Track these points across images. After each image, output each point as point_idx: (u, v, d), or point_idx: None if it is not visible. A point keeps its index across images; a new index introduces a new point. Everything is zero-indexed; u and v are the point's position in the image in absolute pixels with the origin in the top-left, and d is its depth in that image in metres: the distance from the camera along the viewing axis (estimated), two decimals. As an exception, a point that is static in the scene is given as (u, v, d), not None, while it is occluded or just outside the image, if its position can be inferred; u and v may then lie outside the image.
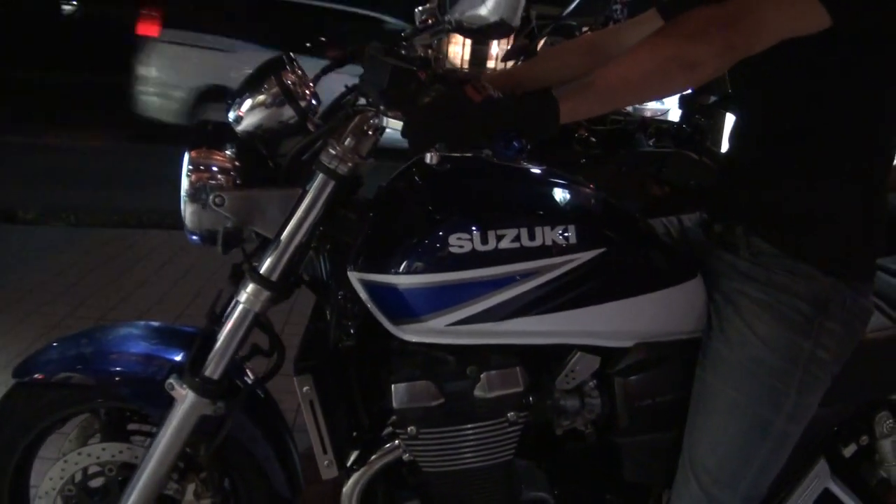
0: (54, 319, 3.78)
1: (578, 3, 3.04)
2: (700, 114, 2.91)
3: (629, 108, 3.29)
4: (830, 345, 1.44)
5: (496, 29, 1.17)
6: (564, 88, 1.23)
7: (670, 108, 4.16)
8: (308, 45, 8.57)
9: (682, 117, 3.02)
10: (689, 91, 3.04)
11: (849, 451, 1.70)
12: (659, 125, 3.13)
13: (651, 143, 3.03)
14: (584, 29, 3.20)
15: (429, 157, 1.21)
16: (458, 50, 29.41)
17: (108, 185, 7.09)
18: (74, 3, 21.61)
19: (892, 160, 1.54)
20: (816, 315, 1.43)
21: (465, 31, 1.19)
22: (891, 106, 1.43)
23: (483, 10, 1.15)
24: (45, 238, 5.27)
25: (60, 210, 5.82)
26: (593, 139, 2.88)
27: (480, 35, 1.19)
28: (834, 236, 1.45)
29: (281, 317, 3.36)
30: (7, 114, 10.60)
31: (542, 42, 3.05)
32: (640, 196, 2.51)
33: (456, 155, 1.39)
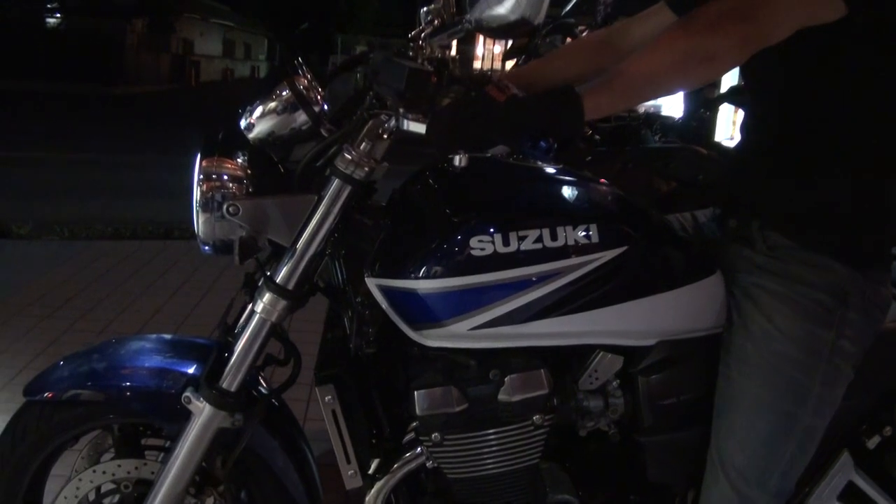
0: (54, 334, 3.76)
1: (576, 2, 3.03)
2: (705, 108, 2.90)
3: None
4: (852, 335, 1.43)
5: (518, 27, 1.15)
6: (586, 85, 1.21)
7: (663, 103, 4.16)
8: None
9: (686, 111, 3.01)
10: None
11: (872, 442, 1.68)
12: (664, 121, 3.13)
13: (657, 138, 3.02)
14: (581, 27, 3.19)
15: (457, 160, 1.18)
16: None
17: (101, 196, 7.07)
18: (59, 14, 21.59)
19: None
20: (837, 306, 1.42)
21: (485, 31, 1.17)
22: None
23: (502, 9, 1.13)
24: (40, 252, 5.26)
25: (54, 224, 5.80)
26: (598, 136, 2.87)
27: (500, 34, 1.17)
28: (850, 227, 1.44)
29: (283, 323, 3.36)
30: (-2, 128, 10.56)
31: (541, 41, 3.04)
32: (647, 192, 2.49)
33: (477, 156, 1.37)
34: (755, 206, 1.52)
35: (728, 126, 4.72)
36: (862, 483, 1.67)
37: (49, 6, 24.27)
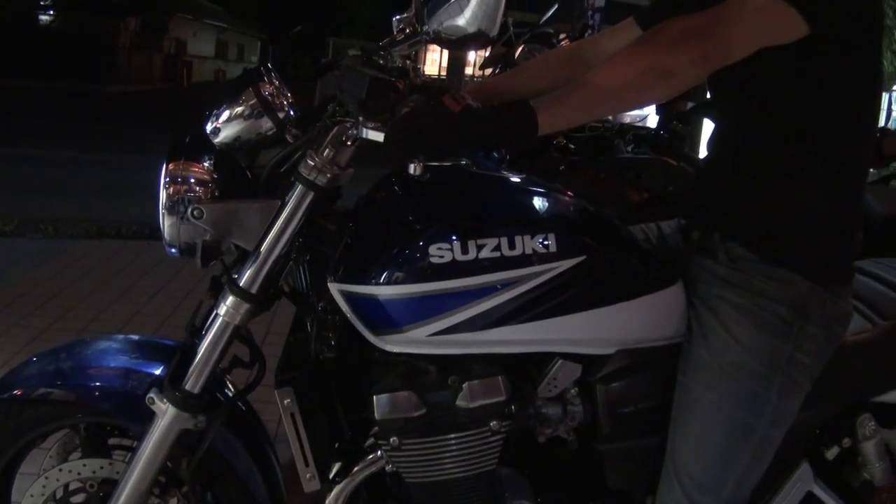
0: (34, 332, 3.75)
1: (555, 11, 3.05)
2: (678, 120, 2.92)
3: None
4: (810, 348, 1.45)
5: (474, 39, 1.17)
6: (543, 99, 1.23)
7: (648, 114, 4.18)
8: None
9: (659, 123, 3.04)
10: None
11: (831, 453, 1.70)
12: (637, 132, 3.15)
13: (629, 149, 3.04)
14: (562, 36, 3.21)
15: (412, 168, 1.20)
16: (436, 57, 29.55)
17: (87, 195, 7.05)
18: (52, 12, 21.55)
19: (869, 164, 1.56)
20: (796, 319, 1.44)
21: (443, 42, 1.19)
22: (866, 111, 1.45)
23: (461, 21, 1.16)
24: (23, 250, 5.24)
25: (39, 221, 5.79)
26: (572, 146, 2.89)
27: (459, 45, 1.19)
28: (811, 240, 1.45)
29: (262, 328, 3.37)
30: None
31: (519, 50, 3.06)
32: (619, 202, 2.51)
33: (435, 164, 1.39)
34: (717, 218, 1.54)
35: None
36: (821, 493, 1.69)
37: (42, 3, 24.22)
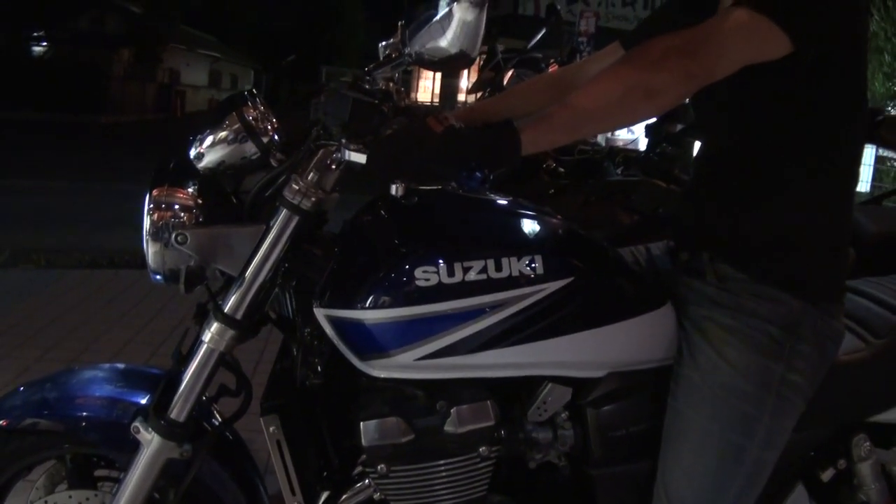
0: (25, 363, 3.73)
1: (543, 36, 3.06)
2: (667, 142, 2.93)
3: (598, 139, 3.32)
4: (803, 368, 1.44)
5: (457, 60, 1.17)
6: (527, 120, 1.23)
7: (638, 136, 4.20)
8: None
9: (648, 146, 3.04)
10: (655, 119, 3.07)
11: (827, 475, 1.67)
12: (627, 154, 3.15)
13: (619, 171, 3.04)
14: (551, 62, 3.22)
15: (394, 190, 1.19)
16: (429, 84, 29.70)
17: (79, 226, 7.04)
18: (45, 43, 21.64)
19: (856, 182, 1.55)
20: (787, 338, 1.43)
21: (425, 64, 1.19)
22: (853, 130, 1.45)
23: (443, 42, 1.16)
24: (15, 281, 5.23)
25: (30, 252, 5.77)
26: (561, 169, 2.89)
27: (441, 67, 1.19)
28: (800, 259, 1.45)
29: (254, 356, 3.35)
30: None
31: (508, 74, 3.08)
32: (609, 225, 2.51)
33: (423, 188, 1.38)
34: (706, 239, 1.53)
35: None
36: (817, 515, 1.67)
37: (35, 35, 24.32)
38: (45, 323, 4.36)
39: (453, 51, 1.16)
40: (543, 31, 3.05)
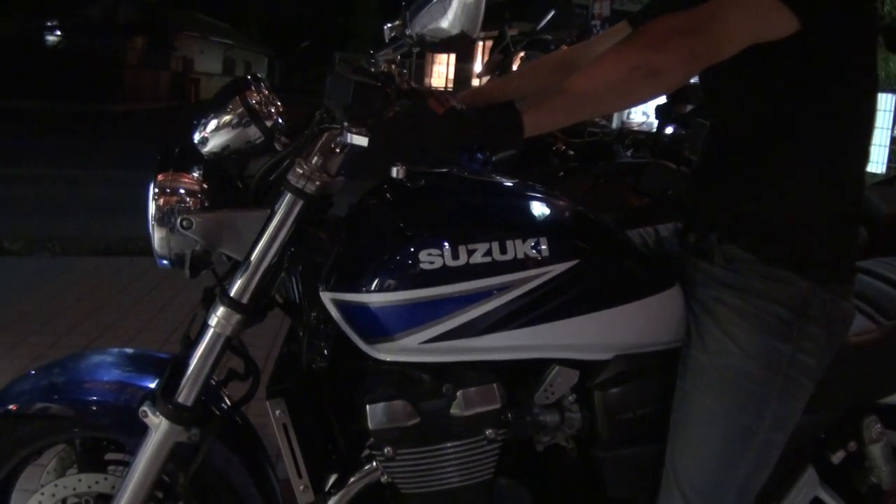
0: (39, 350, 3.75)
1: (551, 18, 3.04)
2: (678, 123, 2.91)
3: (613, 121, 3.30)
4: (812, 348, 1.43)
5: (458, 41, 1.17)
6: (528, 101, 1.22)
7: (654, 118, 4.17)
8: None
9: (658, 127, 3.02)
10: (665, 101, 3.05)
11: (837, 457, 1.67)
12: (636, 136, 3.14)
13: (629, 154, 3.03)
14: (563, 44, 3.20)
15: (395, 172, 1.19)
16: (443, 70, 29.64)
17: (94, 213, 7.08)
18: (58, 33, 21.73)
19: (866, 162, 1.54)
20: (796, 319, 1.42)
21: (427, 45, 1.18)
22: (862, 108, 1.43)
23: (444, 23, 1.15)
24: (30, 268, 5.27)
25: (46, 240, 5.81)
26: (571, 152, 2.88)
27: (443, 48, 1.18)
28: (808, 240, 1.44)
29: (267, 342, 3.36)
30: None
31: (517, 57, 3.06)
32: (619, 207, 2.50)
33: (425, 170, 1.38)
34: (713, 220, 1.52)
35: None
36: (827, 498, 1.66)
37: (49, 24, 24.40)
38: (60, 310, 4.39)
39: (454, 31, 1.15)
40: (552, 14, 3.03)
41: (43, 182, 8.79)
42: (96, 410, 1.58)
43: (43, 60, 22.15)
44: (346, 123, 1.26)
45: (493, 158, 1.16)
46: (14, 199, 7.62)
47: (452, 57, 27.70)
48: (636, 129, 3.58)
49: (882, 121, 5.97)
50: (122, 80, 24.23)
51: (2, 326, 4.06)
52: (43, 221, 6.53)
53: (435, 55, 30.75)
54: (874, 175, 5.98)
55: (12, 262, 5.44)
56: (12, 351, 3.73)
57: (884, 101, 6.02)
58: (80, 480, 1.62)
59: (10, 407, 1.61)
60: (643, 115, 4.02)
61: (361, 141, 1.23)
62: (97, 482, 1.62)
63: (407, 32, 1.19)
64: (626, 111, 4.52)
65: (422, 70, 30.66)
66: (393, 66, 1.28)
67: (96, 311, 4.43)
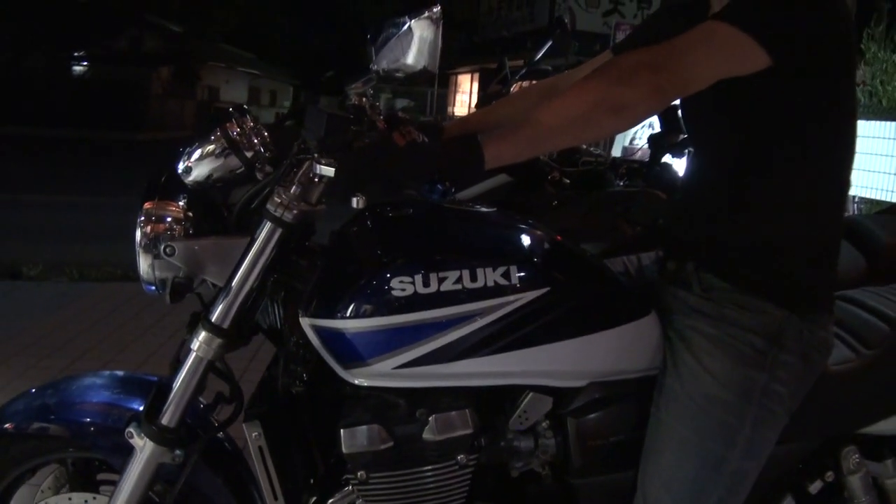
0: (52, 373, 3.79)
1: (549, 48, 3.08)
2: (670, 152, 2.93)
3: (600, 149, 3.33)
4: (786, 378, 1.44)
5: (421, 76, 1.21)
6: (491, 133, 1.25)
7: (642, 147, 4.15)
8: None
9: (651, 156, 3.04)
10: (658, 130, 3.07)
11: (815, 487, 1.66)
12: (630, 165, 3.16)
13: (622, 182, 3.05)
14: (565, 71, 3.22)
15: (354, 202, 1.23)
16: (465, 99, 29.78)
17: (111, 240, 7.17)
18: (85, 63, 22.07)
19: (846, 190, 1.55)
20: (770, 348, 1.43)
21: (392, 80, 1.22)
22: (840, 137, 1.45)
23: (408, 59, 1.19)
24: (48, 293, 5.33)
25: (64, 265, 5.89)
26: (566, 180, 2.90)
27: (407, 83, 1.23)
28: (783, 269, 1.45)
29: (242, 363, 3.39)
30: (13, 171, 10.75)
31: (515, 87, 3.10)
32: (611, 236, 2.52)
33: (386, 201, 1.42)
34: (691, 248, 1.54)
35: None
36: (805, 529, 1.66)
37: (76, 55, 24.81)
38: (74, 334, 4.45)
39: (418, 67, 1.19)
40: (549, 44, 3.07)
41: (64, 209, 8.92)
42: (86, 431, 1.62)
43: (70, 90, 22.54)
44: (315, 154, 1.30)
45: (454, 189, 1.20)
46: (35, 225, 7.75)
47: (475, 85, 27.85)
48: (637, 156, 3.59)
49: (888, 148, 5.91)
50: (148, 110, 24.56)
51: (18, 349, 4.12)
52: (61, 247, 6.62)
53: (458, 84, 30.95)
54: (882, 203, 5.93)
55: (31, 286, 5.51)
56: (26, 373, 3.78)
57: (888, 129, 5.96)
58: (70, 499, 1.66)
59: (6, 426, 1.65)
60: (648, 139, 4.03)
61: (329, 171, 1.28)
62: (86, 501, 1.66)
63: (373, 68, 1.24)
64: (629, 137, 4.54)
65: (444, 99, 30.86)
66: (364, 100, 1.33)
67: (110, 335, 4.48)
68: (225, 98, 33.87)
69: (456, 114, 29.43)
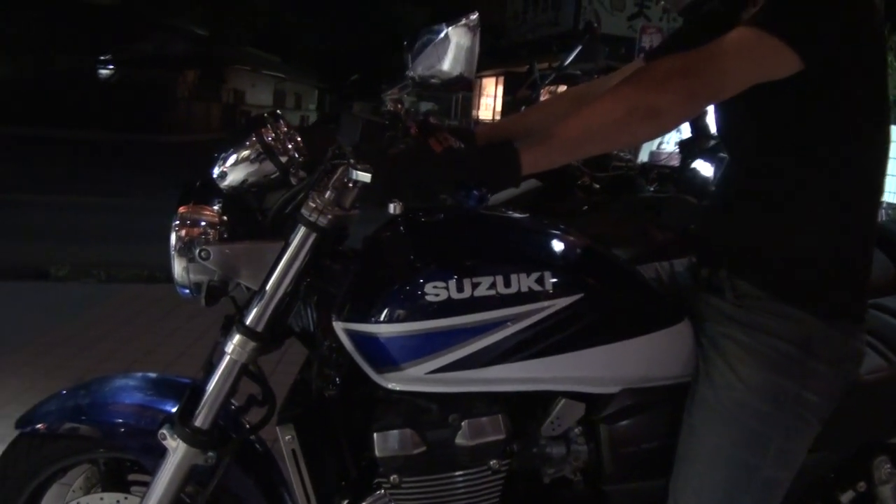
0: (78, 373, 3.82)
1: (579, 53, 3.08)
2: (701, 157, 2.92)
3: (630, 154, 3.31)
4: (818, 387, 1.43)
5: (457, 83, 1.21)
6: (527, 140, 1.26)
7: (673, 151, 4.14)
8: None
9: (681, 161, 3.04)
10: (690, 135, 3.06)
11: (846, 497, 1.65)
12: (661, 170, 3.15)
13: (652, 188, 3.04)
14: (596, 76, 3.22)
15: (392, 208, 1.24)
16: (490, 102, 29.78)
17: (139, 241, 7.22)
18: (112, 66, 22.31)
19: (880, 196, 1.54)
20: (802, 357, 1.42)
21: (428, 86, 1.23)
22: (873, 146, 1.44)
23: (444, 66, 1.19)
24: (76, 294, 5.39)
25: (91, 266, 5.95)
26: (596, 185, 2.89)
27: (442, 89, 1.23)
28: (817, 277, 1.44)
29: (269, 366, 3.40)
30: (42, 173, 10.88)
31: (544, 91, 3.10)
32: (641, 241, 2.51)
33: (422, 207, 1.42)
34: (724, 255, 1.53)
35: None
36: (837, 538, 1.65)
37: (103, 58, 25.07)
38: (102, 334, 4.49)
39: (454, 74, 1.20)
40: (579, 49, 3.07)
41: (92, 210, 9.00)
42: (118, 432, 1.64)
43: (97, 93, 22.77)
44: (352, 160, 1.31)
45: (489, 196, 1.20)
46: (62, 227, 7.83)
47: (500, 89, 27.86)
48: (663, 161, 3.58)
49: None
50: (174, 113, 24.76)
51: (45, 349, 4.17)
52: (89, 248, 6.69)
53: (483, 88, 30.94)
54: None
55: (59, 287, 5.58)
56: (53, 373, 3.83)
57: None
58: (101, 499, 1.68)
59: (38, 426, 1.68)
60: (675, 145, 4.02)
61: (365, 177, 1.28)
62: (118, 501, 1.68)
63: (409, 74, 1.24)
64: (657, 142, 4.53)
65: (469, 102, 30.87)
66: (399, 106, 1.33)
67: (137, 336, 4.52)
68: (250, 101, 34.12)
69: (481, 118, 29.43)
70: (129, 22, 23.95)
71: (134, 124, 21.07)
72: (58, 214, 8.50)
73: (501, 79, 27.01)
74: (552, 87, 3.09)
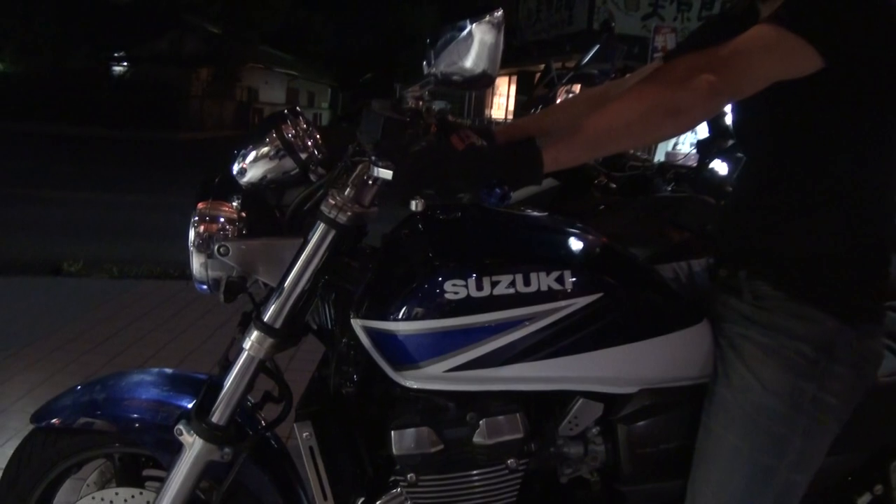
0: (91, 369, 3.85)
1: (596, 52, 3.07)
2: (719, 157, 2.91)
3: (646, 154, 3.30)
4: (837, 389, 1.42)
5: (480, 79, 1.20)
6: (549, 137, 1.25)
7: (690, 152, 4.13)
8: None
9: (699, 161, 3.02)
10: (707, 135, 3.05)
11: (863, 500, 1.64)
12: (678, 170, 3.13)
13: (669, 188, 3.02)
14: (612, 76, 3.21)
15: (413, 205, 1.23)
16: (503, 102, 29.73)
17: (152, 237, 7.26)
18: (126, 64, 22.44)
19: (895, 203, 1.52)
20: (821, 358, 1.41)
21: (450, 83, 1.22)
22: (891, 143, 1.42)
23: (467, 63, 1.19)
24: (89, 289, 5.40)
25: (104, 262, 5.97)
26: (613, 185, 2.88)
27: (465, 86, 1.22)
28: (836, 278, 1.43)
29: (282, 363, 3.41)
30: (55, 169, 10.93)
31: (562, 91, 3.09)
32: (658, 241, 2.49)
33: (444, 204, 1.41)
34: (743, 256, 1.52)
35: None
36: (854, 542, 1.64)
37: (117, 56, 25.19)
38: (115, 330, 4.50)
39: (477, 71, 1.19)
40: (597, 48, 3.06)
41: (105, 206, 9.05)
42: (134, 427, 1.64)
43: (111, 90, 22.90)
44: (373, 157, 1.31)
45: (511, 193, 1.19)
46: (76, 222, 7.87)
47: (513, 88, 27.80)
48: (679, 161, 3.56)
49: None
50: (187, 110, 24.87)
51: (58, 344, 4.19)
52: (103, 244, 6.72)
53: (496, 87, 30.89)
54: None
55: (72, 282, 5.59)
56: (66, 369, 3.84)
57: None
58: (116, 494, 1.68)
59: (53, 421, 1.68)
60: (690, 145, 3.99)
61: (386, 174, 1.28)
62: (133, 496, 1.68)
63: (432, 71, 1.23)
64: (673, 142, 4.51)
65: (482, 101, 30.83)
66: (420, 103, 1.32)
67: (150, 332, 4.53)
68: (263, 99, 34.22)
69: (493, 116, 29.37)
70: (143, 20, 24.08)
71: (148, 121, 21.19)
72: (71, 210, 8.55)
73: (514, 78, 26.94)
74: (568, 87, 3.08)
